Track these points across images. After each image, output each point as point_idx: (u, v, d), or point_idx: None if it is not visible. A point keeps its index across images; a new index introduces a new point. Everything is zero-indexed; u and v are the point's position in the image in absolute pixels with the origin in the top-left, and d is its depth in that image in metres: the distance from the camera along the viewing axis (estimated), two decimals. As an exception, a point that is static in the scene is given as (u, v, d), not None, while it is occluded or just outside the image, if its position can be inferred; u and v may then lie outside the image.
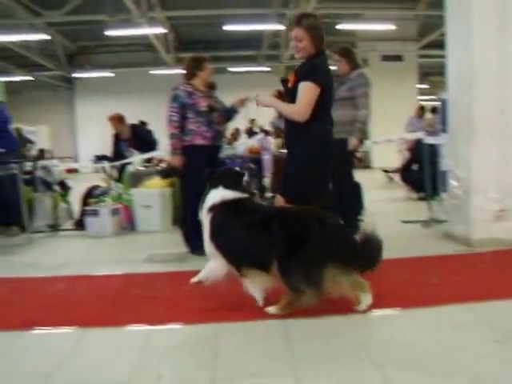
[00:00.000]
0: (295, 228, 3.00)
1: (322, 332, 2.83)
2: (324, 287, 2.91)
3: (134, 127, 7.76)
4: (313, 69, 3.57)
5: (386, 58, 18.18)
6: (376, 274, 3.89)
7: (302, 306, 2.97)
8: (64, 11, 13.81)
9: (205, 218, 3.27)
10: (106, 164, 7.71)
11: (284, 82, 3.74)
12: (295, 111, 3.56)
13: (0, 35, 14.66)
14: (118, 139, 7.64)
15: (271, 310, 3.04)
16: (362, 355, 2.48)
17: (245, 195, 3.34)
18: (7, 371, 2.50)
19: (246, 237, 3.10)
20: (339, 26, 15.16)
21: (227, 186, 3.28)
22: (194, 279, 3.24)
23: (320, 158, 3.65)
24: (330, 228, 3.03)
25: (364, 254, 3.05)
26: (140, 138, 7.64)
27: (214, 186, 3.32)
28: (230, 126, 7.77)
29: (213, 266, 3.22)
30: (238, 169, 3.58)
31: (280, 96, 3.82)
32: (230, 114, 5.01)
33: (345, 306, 3.15)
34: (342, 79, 5.45)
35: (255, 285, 3.16)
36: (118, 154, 7.54)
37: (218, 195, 3.25)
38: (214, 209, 3.23)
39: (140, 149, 7.40)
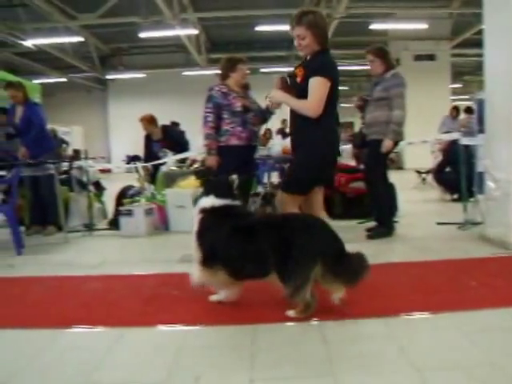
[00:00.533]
0: (281, 234, 3.00)
1: (360, 335, 2.80)
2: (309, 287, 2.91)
3: (165, 128, 7.81)
4: (323, 64, 3.60)
5: (419, 58, 17.96)
6: (414, 275, 3.91)
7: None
8: (98, 14, 14.02)
9: (194, 222, 3.34)
10: (139, 164, 7.80)
11: (291, 76, 3.74)
12: (308, 107, 3.57)
13: (37, 38, 15.00)
14: (149, 140, 7.71)
15: (291, 313, 3.02)
16: (401, 359, 2.45)
17: (235, 203, 3.33)
18: (47, 370, 2.53)
19: (226, 242, 3.14)
20: (372, 26, 15.03)
21: (218, 195, 3.31)
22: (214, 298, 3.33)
23: (327, 154, 3.72)
24: (316, 230, 3.06)
25: (350, 264, 3.00)
26: (171, 138, 7.69)
27: (206, 194, 3.38)
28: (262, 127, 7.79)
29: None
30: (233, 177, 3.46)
31: (284, 86, 3.80)
32: (265, 115, 4.98)
33: (382, 309, 3.14)
34: (377, 79, 5.43)
35: (221, 285, 3.24)
36: (151, 155, 7.61)
37: (208, 202, 3.30)
38: (203, 212, 3.30)
39: (172, 149, 7.46)
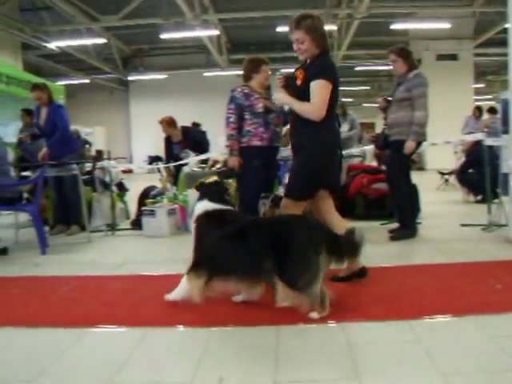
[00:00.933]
0: (276, 236, 3.06)
1: (384, 337, 2.78)
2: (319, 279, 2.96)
3: (184, 129, 7.82)
4: (323, 66, 3.60)
5: (441, 58, 17.81)
6: (438, 278, 3.88)
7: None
8: (120, 16, 14.16)
9: (192, 227, 3.45)
10: (161, 165, 7.85)
11: (292, 79, 3.74)
12: (311, 110, 3.57)
13: (60, 40, 15.20)
14: (169, 142, 7.75)
15: (314, 315, 3.03)
16: (427, 363, 2.42)
17: (227, 207, 3.41)
18: (72, 369, 2.56)
19: (218, 245, 3.22)
20: (393, 26, 14.93)
21: (211, 199, 3.39)
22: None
23: (327, 157, 3.71)
24: (309, 226, 3.13)
25: (346, 243, 3.09)
26: (191, 139, 7.72)
27: (201, 198, 3.48)
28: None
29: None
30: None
31: (287, 85, 3.82)
32: (287, 116, 4.99)
33: (406, 311, 3.12)
34: (399, 80, 5.39)
35: (193, 288, 3.23)
36: (171, 157, 7.65)
37: (202, 207, 3.39)
38: (197, 220, 3.39)
39: (192, 150, 7.49)
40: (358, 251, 3.11)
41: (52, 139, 6.55)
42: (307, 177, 3.70)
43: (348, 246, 3.09)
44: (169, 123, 7.58)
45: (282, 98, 3.84)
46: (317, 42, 3.62)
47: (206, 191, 3.52)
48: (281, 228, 3.12)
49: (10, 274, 4.58)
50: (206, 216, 3.34)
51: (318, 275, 2.94)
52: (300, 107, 3.65)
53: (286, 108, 4.26)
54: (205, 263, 3.24)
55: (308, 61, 3.76)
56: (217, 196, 3.44)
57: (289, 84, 3.80)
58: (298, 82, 3.65)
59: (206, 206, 3.38)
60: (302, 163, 3.76)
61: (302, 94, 3.61)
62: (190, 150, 7.44)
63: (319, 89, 3.52)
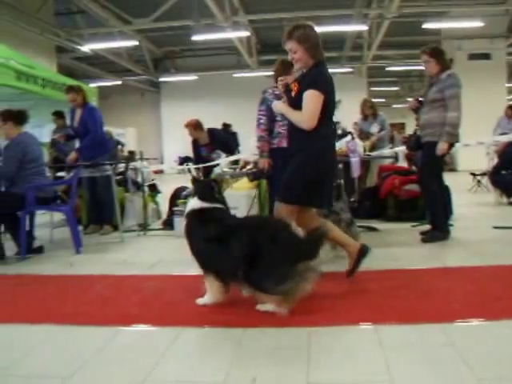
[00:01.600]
0: (250, 237, 3.16)
1: (417, 340, 2.75)
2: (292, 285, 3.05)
3: (211, 132, 7.85)
4: (315, 78, 3.64)
5: (473, 57, 17.48)
6: (471, 281, 3.84)
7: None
8: (152, 18, 14.31)
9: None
10: (192, 166, 7.91)
11: (287, 90, 3.83)
12: (302, 120, 3.64)
13: (93, 43, 15.45)
14: (196, 145, 7.80)
15: (266, 307, 3.18)
16: (461, 367, 2.38)
17: (214, 205, 3.48)
18: (107, 367, 2.61)
19: (203, 244, 3.39)
20: (425, 26, 14.74)
21: (200, 197, 3.51)
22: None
23: (319, 165, 3.71)
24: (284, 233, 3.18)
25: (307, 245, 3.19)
26: (218, 141, 7.76)
27: (193, 195, 3.68)
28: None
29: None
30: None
31: (287, 90, 3.88)
32: None
33: (439, 314, 3.09)
34: (432, 80, 5.34)
35: (210, 288, 3.38)
36: (199, 159, 7.72)
37: (190, 205, 3.56)
38: (186, 217, 3.56)
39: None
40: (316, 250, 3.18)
41: (83, 142, 6.68)
42: (301, 183, 3.71)
43: (308, 246, 3.19)
44: (195, 126, 7.60)
45: (278, 107, 3.91)
46: (309, 52, 3.65)
47: (197, 189, 3.69)
48: (254, 230, 3.21)
49: (46, 273, 4.69)
50: (193, 214, 3.49)
51: (286, 277, 3.02)
52: (293, 115, 3.73)
53: None
54: (208, 265, 3.40)
55: (303, 71, 3.80)
56: (205, 194, 3.52)
57: (288, 91, 3.86)
58: (293, 94, 3.75)
59: (194, 204, 3.52)
60: (295, 169, 3.78)
61: (296, 105, 3.69)
62: (218, 150, 7.50)
63: (309, 99, 3.59)
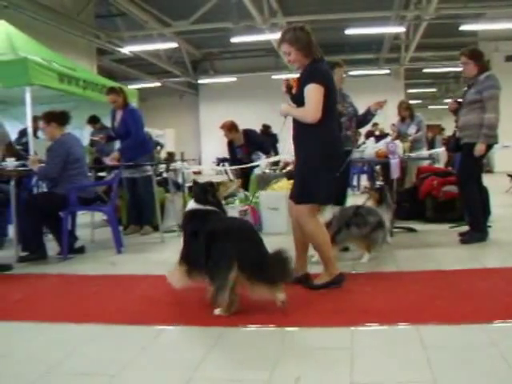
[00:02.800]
0: (213, 238, 3.31)
1: (459, 341, 2.73)
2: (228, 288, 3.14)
3: (246, 133, 7.83)
4: (312, 72, 3.66)
5: (510, 59, 17.13)
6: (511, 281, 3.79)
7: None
8: (191, 20, 14.40)
9: None
10: (227, 167, 7.91)
11: (289, 89, 3.85)
12: (306, 114, 3.64)
13: (133, 45, 15.65)
14: (232, 146, 7.78)
15: (217, 311, 3.23)
16: (503, 367, 2.34)
17: (206, 207, 3.62)
18: (151, 365, 2.61)
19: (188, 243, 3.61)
20: (462, 27, 14.47)
21: (195, 200, 3.71)
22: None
23: (325, 159, 3.68)
24: (243, 240, 3.26)
25: (271, 270, 3.15)
26: (254, 143, 7.72)
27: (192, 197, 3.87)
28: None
29: None
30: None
31: (289, 91, 3.88)
32: (366, 116, 5.15)
33: (480, 315, 3.08)
34: (471, 82, 5.33)
35: (175, 273, 3.62)
36: (235, 161, 7.69)
37: (188, 206, 3.77)
38: (183, 216, 3.87)
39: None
40: (275, 285, 3.16)
41: (124, 143, 6.71)
42: (312, 179, 3.70)
43: (267, 274, 3.14)
44: (229, 128, 7.60)
45: (282, 110, 3.87)
46: (302, 52, 3.68)
47: (193, 192, 3.87)
48: (216, 234, 3.32)
49: (88, 272, 4.72)
50: (187, 214, 3.74)
51: (224, 285, 3.13)
52: (297, 112, 3.73)
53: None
54: (184, 257, 3.61)
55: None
56: (200, 197, 3.69)
57: (290, 91, 3.88)
58: (294, 91, 3.80)
59: (190, 205, 3.75)
60: (302, 169, 3.80)
61: (298, 102, 3.72)
62: (252, 153, 7.48)
63: (310, 92, 3.59)
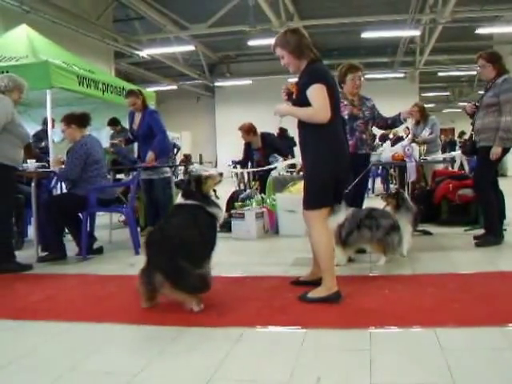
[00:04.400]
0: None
1: (477, 343, 2.73)
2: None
3: (263, 136, 7.87)
4: (311, 73, 3.56)
5: (526, 62, 16.91)
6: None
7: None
8: (208, 24, 14.49)
9: None
10: (245, 170, 7.95)
11: (289, 95, 3.72)
12: (315, 113, 3.48)
13: (151, 48, 15.79)
14: (249, 148, 7.82)
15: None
16: None
17: (187, 202, 3.74)
18: (171, 365, 2.64)
19: None
20: (478, 31, 14.39)
21: (182, 195, 3.83)
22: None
23: (330, 162, 3.55)
24: (173, 245, 3.37)
25: (190, 279, 3.32)
26: (271, 146, 7.75)
27: None
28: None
29: None
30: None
31: (290, 97, 3.75)
32: (395, 123, 5.19)
33: (497, 318, 3.06)
34: (488, 85, 5.30)
35: None
36: (247, 162, 7.72)
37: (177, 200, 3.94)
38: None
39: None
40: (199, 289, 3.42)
41: (154, 143, 6.69)
42: (318, 184, 3.56)
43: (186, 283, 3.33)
44: (247, 131, 7.65)
45: (282, 110, 3.74)
46: (294, 55, 3.61)
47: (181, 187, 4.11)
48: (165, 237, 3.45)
49: (107, 273, 4.77)
50: (173, 208, 4.03)
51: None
52: (304, 112, 3.56)
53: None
54: None
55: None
56: (184, 191, 3.83)
57: (290, 97, 3.76)
58: (294, 96, 3.66)
59: (178, 200, 3.88)
60: (309, 172, 3.67)
61: (299, 106, 3.59)
62: (268, 156, 7.52)
63: (315, 92, 3.46)
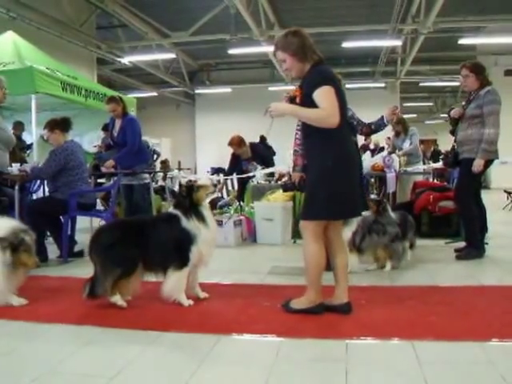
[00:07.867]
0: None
1: (455, 357, 2.72)
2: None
3: (252, 146, 8.02)
4: (318, 75, 3.36)
5: (509, 73, 17.23)
6: (508, 299, 3.82)
7: None
8: (190, 32, 14.63)
9: None
10: (221, 177, 8.06)
11: (292, 99, 3.48)
12: (325, 115, 3.24)
13: (133, 56, 15.90)
14: (237, 159, 7.95)
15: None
16: None
17: (175, 212, 3.84)
18: (147, 369, 2.68)
19: None
20: (461, 41, 14.62)
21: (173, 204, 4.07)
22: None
23: (339, 172, 3.35)
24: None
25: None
26: (259, 155, 7.90)
27: None
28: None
29: None
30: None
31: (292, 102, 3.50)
32: (378, 127, 4.92)
33: (477, 332, 3.06)
34: (471, 96, 5.28)
35: None
36: (233, 172, 7.84)
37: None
38: None
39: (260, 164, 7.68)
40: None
41: (121, 152, 6.81)
42: (321, 194, 3.34)
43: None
44: (238, 144, 7.76)
45: (281, 108, 3.48)
46: (297, 57, 3.41)
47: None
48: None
49: (87, 276, 4.76)
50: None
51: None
52: (312, 113, 3.30)
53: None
54: None
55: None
56: (176, 202, 4.01)
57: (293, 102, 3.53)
58: (297, 101, 3.41)
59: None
60: (312, 180, 3.47)
61: None
62: (254, 162, 7.63)
63: (325, 95, 3.25)
